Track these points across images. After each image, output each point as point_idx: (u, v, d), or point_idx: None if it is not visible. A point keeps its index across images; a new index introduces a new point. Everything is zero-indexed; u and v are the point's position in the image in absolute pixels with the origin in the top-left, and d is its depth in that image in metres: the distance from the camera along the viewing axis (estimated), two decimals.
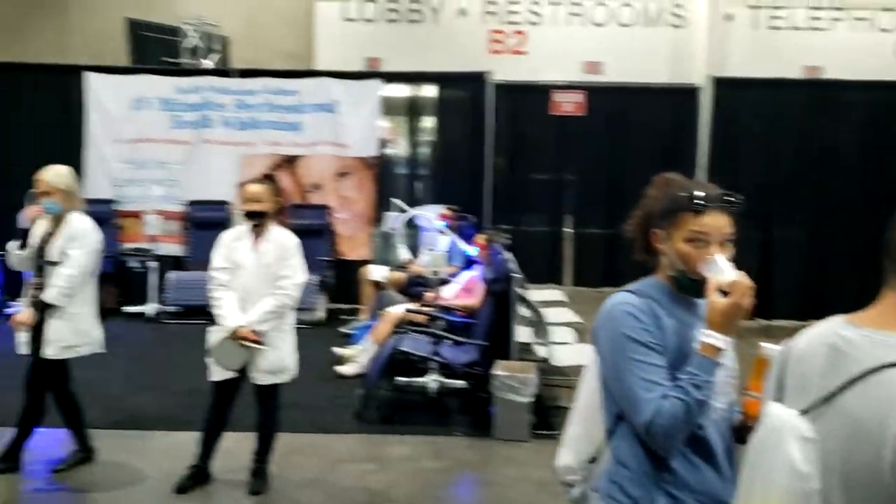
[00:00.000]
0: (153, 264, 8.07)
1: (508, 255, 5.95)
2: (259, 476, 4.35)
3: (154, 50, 9.56)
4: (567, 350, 5.80)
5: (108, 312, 7.50)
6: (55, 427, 4.56)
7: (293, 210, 7.83)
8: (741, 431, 1.93)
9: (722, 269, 1.87)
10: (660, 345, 1.89)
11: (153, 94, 8.41)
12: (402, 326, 5.82)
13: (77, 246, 4.28)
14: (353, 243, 8.49)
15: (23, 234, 4.39)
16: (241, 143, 8.42)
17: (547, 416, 5.25)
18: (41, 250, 4.32)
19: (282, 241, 4.22)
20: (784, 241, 8.47)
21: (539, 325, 5.80)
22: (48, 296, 4.25)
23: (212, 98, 8.40)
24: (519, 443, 5.04)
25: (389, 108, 8.91)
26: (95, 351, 4.50)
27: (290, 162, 8.45)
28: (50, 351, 4.30)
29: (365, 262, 8.15)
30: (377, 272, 7.76)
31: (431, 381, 5.54)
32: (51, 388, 4.42)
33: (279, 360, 4.27)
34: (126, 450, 4.81)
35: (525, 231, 8.68)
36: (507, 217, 8.48)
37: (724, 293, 1.84)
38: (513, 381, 5.06)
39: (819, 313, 1.58)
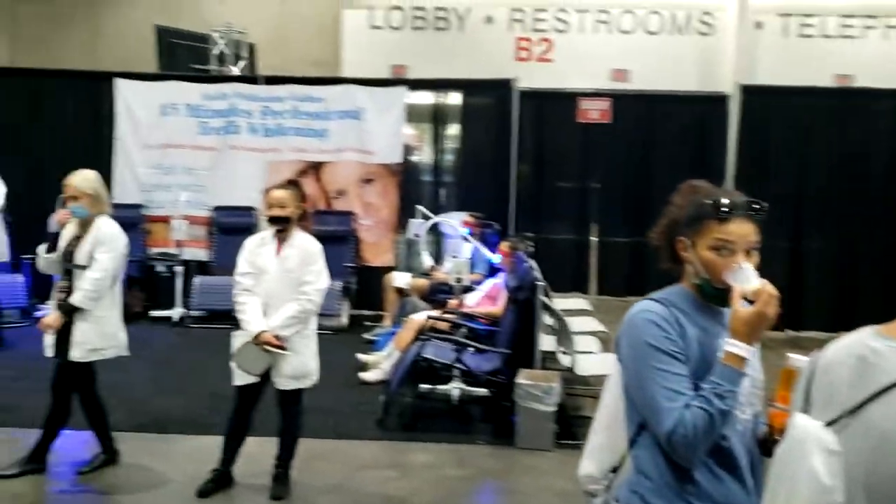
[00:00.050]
0: (179, 269, 8.14)
1: (532, 263, 5.92)
2: (281, 481, 4.36)
3: (183, 57, 9.66)
4: (591, 359, 5.75)
5: (134, 316, 7.66)
6: (80, 429, 4.60)
7: (318, 216, 7.89)
8: (767, 444, 1.89)
9: (747, 278, 1.84)
10: (683, 354, 1.86)
11: (181, 101, 8.50)
12: (425, 333, 5.81)
13: (104, 250, 4.33)
14: (376, 250, 8.51)
15: (52, 238, 4.44)
16: (267, 149, 8.47)
17: (570, 426, 5.22)
18: (69, 254, 4.37)
19: (305, 246, 4.23)
20: (814, 252, 8.36)
21: (563, 334, 5.76)
22: (75, 299, 4.29)
23: (239, 105, 8.47)
24: (542, 452, 5.01)
25: (415, 115, 8.92)
26: (121, 354, 4.54)
27: (315, 168, 8.49)
28: (76, 353, 4.33)
29: (389, 269, 8.16)
30: (401, 279, 7.77)
31: (454, 388, 5.52)
32: (76, 391, 4.47)
33: (302, 366, 4.28)
34: (150, 453, 4.84)
35: (549, 239, 8.64)
36: (532, 225, 8.44)
37: (750, 302, 1.81)
38: (536, 389, 5.03)
39: (849, 324, 1.55)
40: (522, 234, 7.25)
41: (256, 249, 4.26)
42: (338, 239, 8.09)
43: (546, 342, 5.73)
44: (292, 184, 4.43)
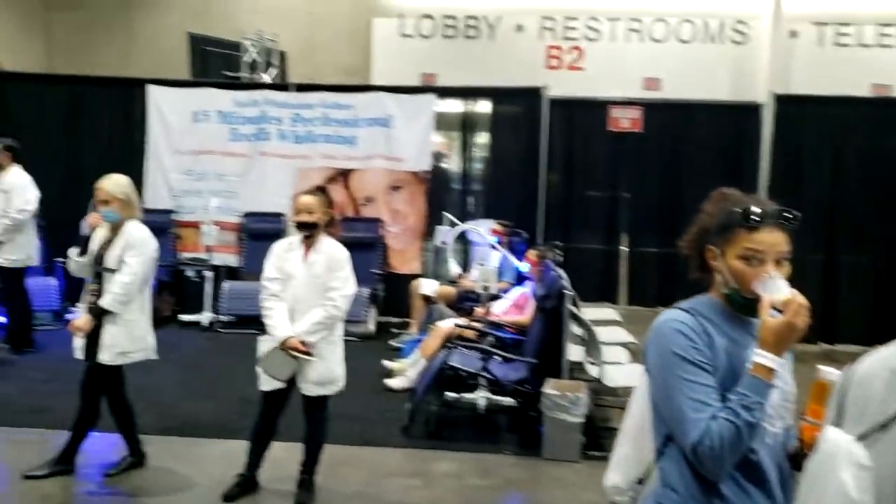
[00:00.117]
0: (209, 274, 8.20)
1: (561, 272, 5.87)
2: (306, 487, 4.36)
3: (215, 64, 9.77)
4: (620, 370, 5.68)
5: (164, 320, 7.74)
6: (109, 431, 4.64)
7: (346, 223, 7.90)
8: (797, 458, 1.85)
9: (777, 288, 1.80)
10: (710, 364, 1.83)
11: (213, 107, 8.58)
12: (452, 341, 5.79)
13: (134, 254, 4.37)
14: (404, 257, 8.52)
15: (83, 242, 4.49)
16: (296, 156, 8.52)
17: (598, 437, 5.16)
18: (99, 257, 4.42)
19: (332, 252, 4.23)
20: (848, 263, 8.21)
21: (591, 344, 5.71)
22: (104, 302, 4.33)
23: (269, 112, 8.53)
24: (568, 463, 4.96)
25: (444, 123, 8.93)
26: (149, 357, 4.58)
27: (343, 175, 8.52)
28: (105, 357, 4.37)
29: (416, 276, 8.16)
30: (428, 286, 7.76)
31: (480, 397, 5.48)
32: (105, 393, 4.51)
33: (328, 372, 4.27)
34: (177, 456, 4.87)
35: (578, 248, 8.57)
36: (561, 234, 8.38)
37: (779, 312, 1.77)
38: (563, 400, 4.98)
39: (885, 337, 1.51)
40: (551, 243, 7.19)
41: (284, 255, 4.28)
42: (365, 246, 8.10)
43: (574, 352, 5.68)
44: (320, 190, 4.41)
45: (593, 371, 5.55)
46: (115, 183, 4.46)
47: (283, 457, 4.51)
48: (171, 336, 7.30)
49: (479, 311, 6.47)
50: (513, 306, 6.68)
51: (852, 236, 8.23)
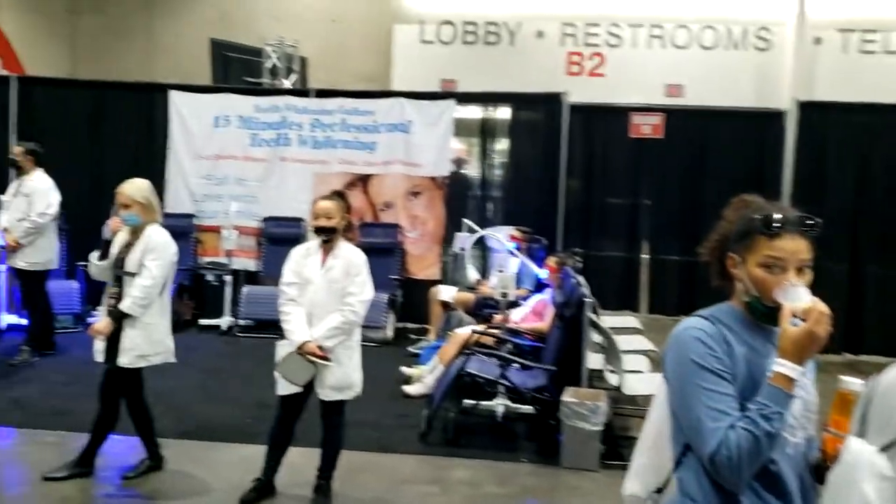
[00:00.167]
0: (228, 278, 8.23)
1: (580, 279, 5.84)
2: (322, 492, 4.35)
3: (236, 70, 9.83)
4: (640, 379, 5.63)
5: (184, 324, 7.77)
6: (128, 434, 4.66)
7: (364, 228, 7.92)
8: (819, 469, 1.81)
9: (798, 296, 1.77)
10: (729, 373, 1.80)
11: (234, 113, 8.63)
12: (470, 348, 5.76)
13: (153, 258, 4.39)
14: (422, 263, 8.51)
15: (104, 245, 4.52)
16: (316, 161, 8.55)
17: (617, 446, 5.11)
18: (120, 261, 4.44)
19: (350, 257, 4.23)
20: (873, 273, 8.09)
21: (611, 352, 5.66)
22: (124, 305, 4.36)
23: (290, 117, 8.57)
24: (587, 472, 4.91)
25: (464, 128, 8.92)
26: (168, 361, 4.59)
27: (363, 180, 8.53)
28: (124, 360, 4.39)
29: (434, 282, 8.15)
30: (446, 292, 7.74)
31: (498, 404, 5.46)
32: (124, 396, 4.53)
33: (345, 377, 4.27)
34: (194, 460, 4.88)
35: (598, 255, 8.52)
36: (580, 240, 8.31)
37: (801, 320, 1.73)
38: (582, 408, 4.94)
39: None
40: (571, 250, 7.15)
41: (302, 260, 4.28)
42: (384, 251, 8.11)
43: (593, 360, 5.64)
44: (338, 195, 4.41)
45: (613, 379, 5.50)
46: (135, 187, 4.49)
47: (301, 462, 4.50)
48: (190, 340, 7.34)
49: (497, 317, 6.44)
50: (531, 313, 6.64)
51: (878, 245, 8.12)
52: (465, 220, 7.96)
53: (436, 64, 10.74)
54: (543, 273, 6.98)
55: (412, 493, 4.65)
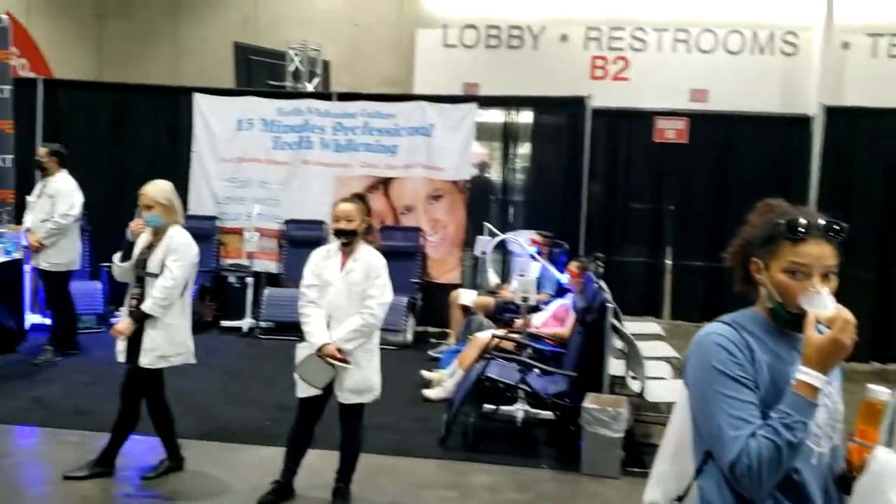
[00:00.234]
0: (250, 280, 8.27)
1: (602, 284, 5.79)
2: (341, 496, 4.34)
3: (259, 73, 9.89)
4: (662, 385, 5.57)
5: (205, 326, 7.81)
6: (148, 435, 4.69)
7: (385, 231, 7.92)
8: (845, 480, 1.76)
9: (822, 303, 1.72)
10: (752, 380, 1.76)
11: (256, 116, 8.67)
12: (490, 352, 5.73)
13: (175, 259, 4.41)
14: (443, 266, 8.49)
15: (127, 247, 4.54)
16: (338, 164, 8.57)
17: (639, 453, 5.06)
18: (142, 262, 4.47)
19: (370, 260, 4.22)
20: None
21: (633, 358, 5.61)
22: (145, 306, 4.38)
23: (312, 120, 8.60)
24: (608, 479, 4.86)
25: (486, 132, 8.89)
26: (189, 362, 4.61)
27: (384, 184, 8.54)
28: (145, 360, 4.42)
29: (455, 286, 8.13)
30: (466, 296, 7.72)
31: (518, 410, 5.42)
32: (145, 397, 4.55)
33: (364, 380, 4.25)
34: (214, 461, 4.89)
35: (621, 261, 8.45)
36: (603, 246, 8.26)
37: (826, 328, 1.69)
38: (603, 414, 4.89)
39: None
40: (593, 255, 7.10)
41: (322, 262, 4.28)
42: (404, 254, 8.10)
43: (615, 366, 5.59)
44: (358, 197, 4.41)
45: (635, 386, 5.44)
46: (158, 188, 4.52)
47: (319, 464, 4.49)
48: (211, 341, 7.37)
49: (518, 322, 6.41)
50: (552, 318, 6.60)
51: None
52: (487, 224, 7.94)
53: (458, 68, 10.74)
54: (564, 278, 6.94)
55: (431, 497, 4.63)
